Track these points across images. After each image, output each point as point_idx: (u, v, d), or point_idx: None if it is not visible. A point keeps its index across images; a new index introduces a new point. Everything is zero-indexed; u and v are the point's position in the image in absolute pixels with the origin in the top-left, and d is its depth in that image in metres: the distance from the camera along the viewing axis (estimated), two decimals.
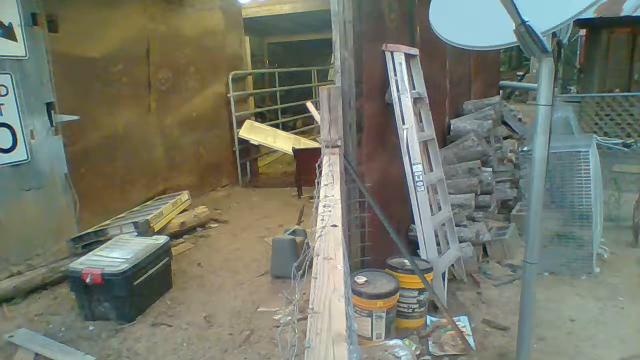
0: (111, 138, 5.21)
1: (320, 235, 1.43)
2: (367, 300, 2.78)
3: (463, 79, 5.76)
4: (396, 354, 2.53)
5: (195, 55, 6.41)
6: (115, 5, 5.19)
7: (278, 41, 13.04)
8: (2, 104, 3.69)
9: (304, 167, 5.96)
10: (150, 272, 3.44)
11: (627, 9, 7.76)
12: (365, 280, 2.88)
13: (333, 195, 1.87)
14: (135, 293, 3.29)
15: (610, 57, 9.23)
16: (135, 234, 4.11)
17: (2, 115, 3.70)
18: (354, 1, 2.96)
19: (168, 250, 3.77)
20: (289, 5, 9.05)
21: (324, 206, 1.72)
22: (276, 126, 8.31)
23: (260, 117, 9.17)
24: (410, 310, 3.04)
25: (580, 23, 8.61)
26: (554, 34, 2.07)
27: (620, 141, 6.70)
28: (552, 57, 1.99)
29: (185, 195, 5.35)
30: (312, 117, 6.00)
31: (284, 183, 7.08)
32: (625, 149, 6.50)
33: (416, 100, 3.52)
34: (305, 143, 7.50)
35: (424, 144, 3.58)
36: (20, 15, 3.77)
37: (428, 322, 3.11)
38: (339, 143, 2.84)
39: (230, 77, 6.82)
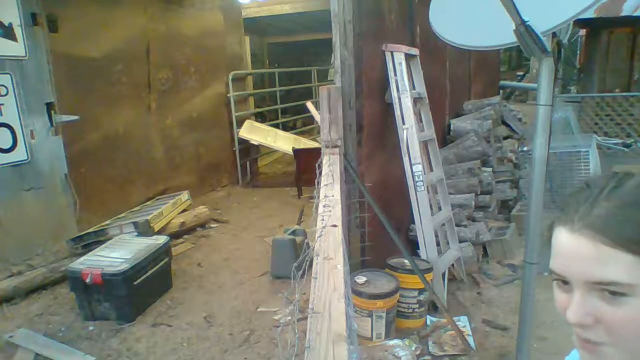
0: (111, 138, 5.21)
1: (320, 235, 1.43)
2: (367, 300, 2.77)
3: (463, 79, 5.76)
4: (396, 354, 2.53)
5: (195, 55, 6.40)
6: (115, 5, 5.18)
7: (278, 41, 13.02)
8: (2, 104, 3.69)
9: (304, 167, 5.96)
10: (150, 272, 3.44)
11: (627, 9, 7.75)
12: (365, 280, 2.88)
13: (333, 195, 1.87)
14: (135, 293, 3.29)
15: (610, 57, 9.22)
16: (135, 234, 4.11)
17: (2, 115, 3.69)
18: (354, 1, 2.96)
19: (168, 250, 3.77)
20: (289, 5, 9.04)
21: (324, 206, 1.72)
22: (276, 126, 8.30)
23: (260, 117, 9.16)
24: (410, 310, 3.04)
25: (580, 23, 8.60)
26: (554, 34, 2.07)
27: (620, 141, 6.71)
28: (552, 57, 1.99)
29: (185, 195, 5.34)
30: (312, 117, 6.01)
31: (284, 183, 7.06)
32: (625, 149, 6.50)
33: (416, 100, 3.52)
34: (305, 143, 7.50)
35: (424, 144, 3.58)
36: (20, 15, 3.76)
37: (428, 322, 3.11)
38: (339, 143, 2.84)
39: (230, 77, 6.81)
